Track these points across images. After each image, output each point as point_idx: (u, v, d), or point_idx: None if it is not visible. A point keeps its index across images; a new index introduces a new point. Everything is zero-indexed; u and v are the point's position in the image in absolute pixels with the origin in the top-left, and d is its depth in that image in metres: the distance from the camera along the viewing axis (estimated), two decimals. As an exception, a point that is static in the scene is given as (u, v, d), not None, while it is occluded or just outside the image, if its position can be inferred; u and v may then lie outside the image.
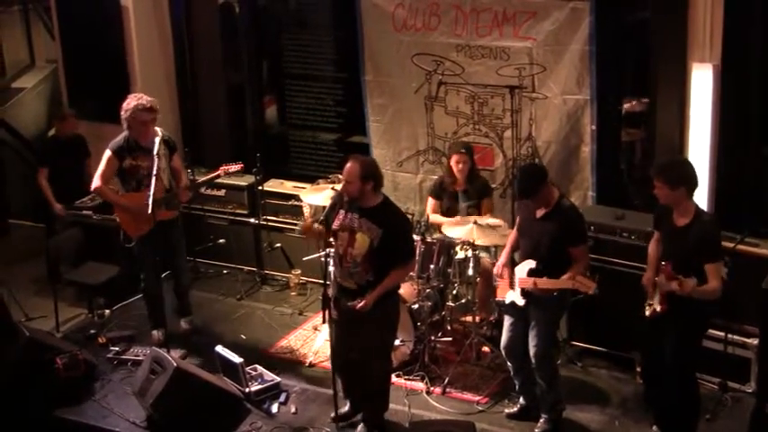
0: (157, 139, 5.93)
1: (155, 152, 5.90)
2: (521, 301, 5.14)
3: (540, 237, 5.03)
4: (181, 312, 6.55)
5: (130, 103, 5.92)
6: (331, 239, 5.05)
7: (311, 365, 6.04)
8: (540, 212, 5.05)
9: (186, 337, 6.40)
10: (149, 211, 5.69)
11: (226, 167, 6.29)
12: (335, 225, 4.99)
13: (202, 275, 7.29)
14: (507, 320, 5.30)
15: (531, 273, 5.05)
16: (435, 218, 6.22)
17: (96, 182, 6.01)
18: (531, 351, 5.15)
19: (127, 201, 6.02)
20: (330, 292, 5.02)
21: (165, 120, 6.15)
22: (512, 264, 5.26)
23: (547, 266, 5.00)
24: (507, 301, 5.24)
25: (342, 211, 4.96)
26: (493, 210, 6.31)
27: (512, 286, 5.20)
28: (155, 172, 5.88)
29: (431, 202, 6.31)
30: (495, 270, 5.35)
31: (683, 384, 4.94)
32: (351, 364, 5.19)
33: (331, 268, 5.11)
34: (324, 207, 5.48)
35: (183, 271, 6.44)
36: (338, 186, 6.14)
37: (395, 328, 5.22)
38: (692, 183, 4.72)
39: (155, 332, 6.28)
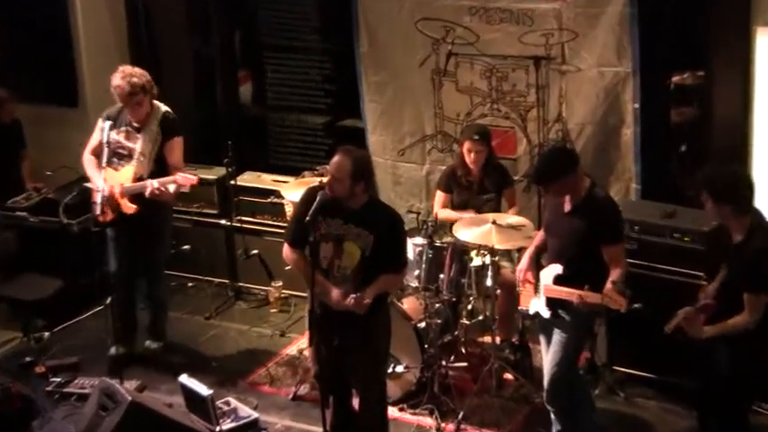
0: (107, 124, 5.98)
1: (104, 137, 5.94)
2: (546, 313, 5.12)
3: (567, 234, 5.04)
4: (150, 333, 6.55)
5: (113, 80, 6.03)
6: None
7: (296, 398, 6.01)
8: (568, 206, 5.05)
9: (144, 365, 6.39)
10: (97, 211, 5.71)
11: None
12: (315, 234, 4.91)
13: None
14: (542, 342, 5.31)
15: (558, 280, 5.03)
16: (445, 213, 6.20)
17: (86, 151, 6.23)
18: (545, 378, 5.18)
19: (97, 178, 6.06)
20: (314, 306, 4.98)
21: (115, 102, 6.14)
22: (537, 267, 5.26)
23: (575, 271, 4.99)
24: (531, 312, 5.25)
25: (320, 218, 4.91)
26: (516, 200, 6.31)
27: (537, 293, 5.19)
28: (104, 162, 5.88)
29: (439, 195, 6.31)
30: (517, 274, 5.35)
31: (734, 413, 4.89)
32: (342, 390, 5.20)
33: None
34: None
35: (154, 278, 6.41)
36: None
37: (387, 346, 5.19)
38: (740, 202, 4.67)
39: (112, 349, 6.34)
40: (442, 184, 6.31)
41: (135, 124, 6.09)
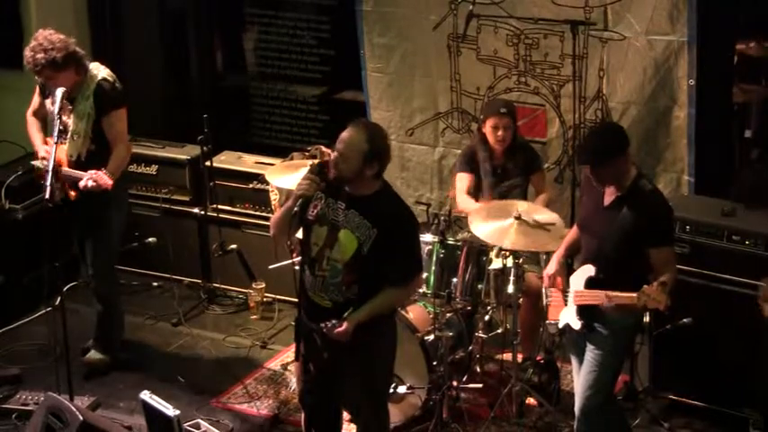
0: (59, 91, 5.97)
1: (56, 108, 5.94)
2: (576, 325, 5.14)
3: (605, 232, 5.02)
4: (95, 340, 6.58)
5: (26, 51, 5.96)
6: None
7: (279, 421, 6.03)
8: (608, 198, 5.05)
9: (99, 377, 6.42)
10: (46, 195, 5.71)
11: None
12: (309, 215, 4.94)
13: (123, 290, 7.20)
14: (573, 361, 5.32)
15: (590, 283, 5.05)
16: (468, 203, 6.16)
17: (28, 111, 6.34)
18: (576, 405, 5.19)
19: (40, 151, 6.17)
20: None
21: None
22: (567, 271, 5.28)
23: (612, 276, 4.99)
24: (561, 324, 5.26)
25: (320, 195, 4.93)
26: (545, 187, 6.33)
27: (566, 302, 5.21)
28: (54, 137, 5.86)
29: (461, 177, 6.28)
30: (544, 280, 5.37)
31: None
32: (330, 417, 5.19)
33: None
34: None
35: (96, 275, 6.40)
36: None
37: (391, 367, 5.19)
38: None
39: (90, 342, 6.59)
40: (464, 162, 6.28)
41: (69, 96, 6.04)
